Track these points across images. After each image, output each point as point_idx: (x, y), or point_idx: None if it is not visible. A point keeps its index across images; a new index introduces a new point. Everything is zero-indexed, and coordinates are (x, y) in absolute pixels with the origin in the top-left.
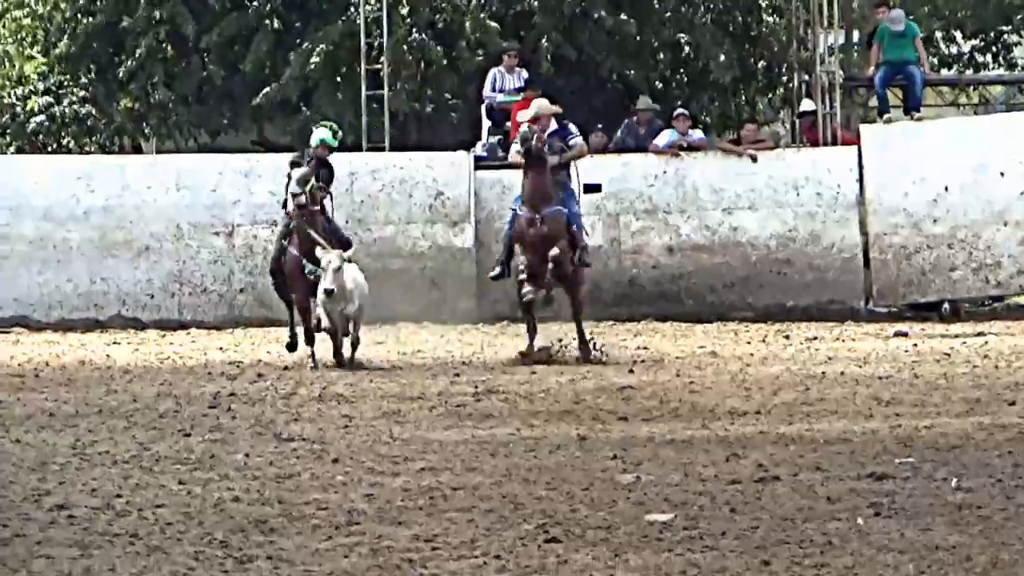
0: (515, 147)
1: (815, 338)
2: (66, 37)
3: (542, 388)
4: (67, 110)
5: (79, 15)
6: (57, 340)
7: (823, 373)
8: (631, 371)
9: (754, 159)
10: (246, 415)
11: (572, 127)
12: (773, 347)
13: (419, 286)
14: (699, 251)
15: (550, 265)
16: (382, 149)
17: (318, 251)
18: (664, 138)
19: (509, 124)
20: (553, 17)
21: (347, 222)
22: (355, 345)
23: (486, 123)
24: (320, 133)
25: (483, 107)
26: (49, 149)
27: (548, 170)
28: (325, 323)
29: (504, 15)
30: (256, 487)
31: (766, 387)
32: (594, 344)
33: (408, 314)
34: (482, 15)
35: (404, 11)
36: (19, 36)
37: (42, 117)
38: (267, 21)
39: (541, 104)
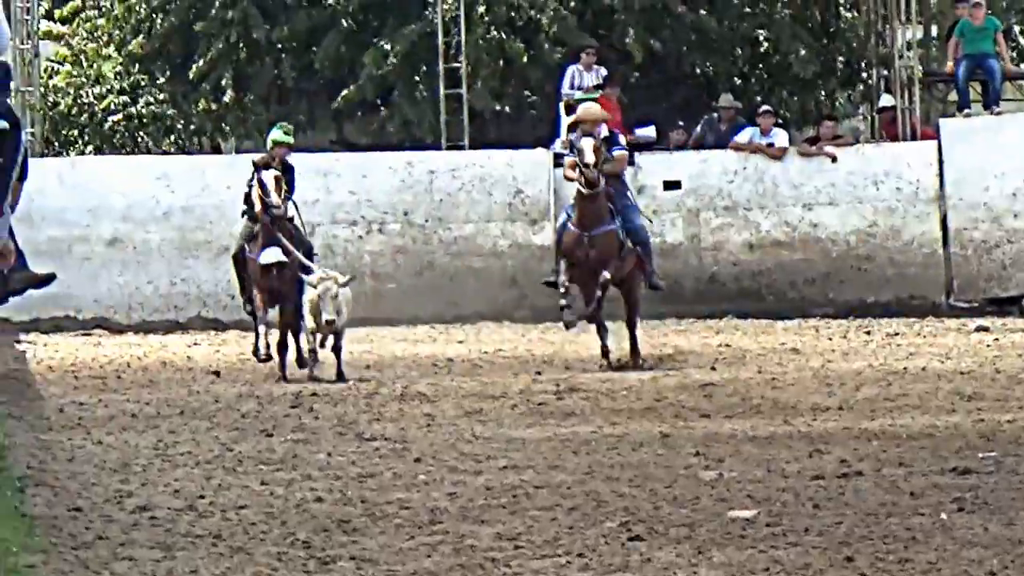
0: (568, 158)
1: (896, 334)
2: (140, 36)
3: (624, 386)
4: (144, 109)
5: (153, 15)
6: (138, 342)
7: (905, 368)
8: (713, 368)
9: (833, 159)
10: (328, 415)
11: (620, 137)
12: (854, 343)
13: (499, 284)
14: (779, 247)
15: (598, 292)
16: (461, 147)
17: (314, 277)
18: (745, 136)
19: None
20: (635, 12)
21: (427, 221)
22: (338, 352)
23: (565, 120)
24: (273, 135)
25: (561, 104)
26: (126, 149)
27: (603, 196)
28: (314, 345)
29: (583, 12)
30: (339, 487)
31: (848, 383)
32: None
33: (488, 312)
34: (560, 10)
35: (481, 9)
36: (95, 35)
37: (119, 116)
38: (342, 20)
39: (587, 109)
